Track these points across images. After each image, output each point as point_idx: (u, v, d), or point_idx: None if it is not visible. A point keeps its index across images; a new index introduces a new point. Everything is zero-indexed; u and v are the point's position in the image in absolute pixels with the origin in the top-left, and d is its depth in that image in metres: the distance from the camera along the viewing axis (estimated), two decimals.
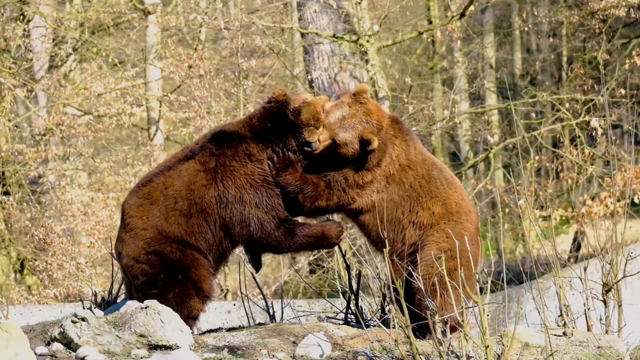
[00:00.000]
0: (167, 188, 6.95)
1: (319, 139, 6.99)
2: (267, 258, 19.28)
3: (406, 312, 6.18)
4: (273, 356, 6.45)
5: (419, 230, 7.01)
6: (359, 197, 7.05)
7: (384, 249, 6.64)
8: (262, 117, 7.09)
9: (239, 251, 8.80)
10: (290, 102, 7.04)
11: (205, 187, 6.92)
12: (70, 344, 6.28)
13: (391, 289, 6.38)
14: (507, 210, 21.25)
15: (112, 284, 8.15)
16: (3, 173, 20.17)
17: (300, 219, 7.20)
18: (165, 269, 6.80)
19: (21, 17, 20.66)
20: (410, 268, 6.79)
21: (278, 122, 7.02)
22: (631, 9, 19.71)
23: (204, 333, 7.10)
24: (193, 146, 7.15)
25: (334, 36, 18.14)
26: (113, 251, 7.29)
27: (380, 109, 7.15)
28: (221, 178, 6.92)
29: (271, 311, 8.45)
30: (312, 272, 19.76)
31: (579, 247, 21.34)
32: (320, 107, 7.07)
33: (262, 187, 6.95)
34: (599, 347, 6.74)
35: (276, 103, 7.06)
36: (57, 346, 6.32)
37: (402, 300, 6.24)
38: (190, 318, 6.80)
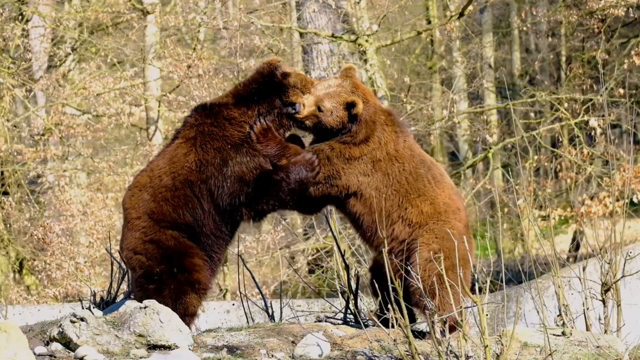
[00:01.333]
0: (153, 170, 6.96)
1: (304, 104, 6.99)
2: (265, 258, 19.27)
3: (405, 312, 6.18)
4: (272, 356, 6.45)
5: (408, 227, 6.98)
6: (344, 173, 7.00)
7: (382, 249, 6.62)
8: (249, 80, 7.08)
9: (238, 251, 8.80)
10: (282, 66, 7.04)
11: (186, 155, 6.87)
12: (69, 344, 6.28)
13: (390, 288, 6.37)
14: (506, 210, 21.26)
15: (111, 284, 8.14)
16: (2, 173, 20.17)
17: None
18: (161, 260, 6.76)
19: (20, 17, 20.66)
20: (402, 266, 6.77)
21: (265, 83, 6.97)
22: (630, 9, 19.72)
23: (203, 333, 7.09)
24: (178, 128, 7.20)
25: (332, 36, 18.14)
26: (112, 250, 7.27)
27: (369, 91, 7.21)
28: (200, 143, 6.87)
29: (270, 311, 8.45)
30: (311, 272, 19.76)
31: (578, 247, 21.34)
32: (310, 78, 7.11)
33: (242, 147, 6.88)
34: (597, 346, 6.74)
35: (268, 66, 7.05)
36: (56, 346, 6.32)
37: (401, 300, 6.24)
38: (187, 315, 6.75)
